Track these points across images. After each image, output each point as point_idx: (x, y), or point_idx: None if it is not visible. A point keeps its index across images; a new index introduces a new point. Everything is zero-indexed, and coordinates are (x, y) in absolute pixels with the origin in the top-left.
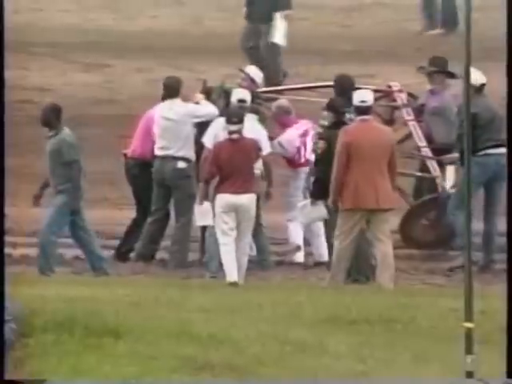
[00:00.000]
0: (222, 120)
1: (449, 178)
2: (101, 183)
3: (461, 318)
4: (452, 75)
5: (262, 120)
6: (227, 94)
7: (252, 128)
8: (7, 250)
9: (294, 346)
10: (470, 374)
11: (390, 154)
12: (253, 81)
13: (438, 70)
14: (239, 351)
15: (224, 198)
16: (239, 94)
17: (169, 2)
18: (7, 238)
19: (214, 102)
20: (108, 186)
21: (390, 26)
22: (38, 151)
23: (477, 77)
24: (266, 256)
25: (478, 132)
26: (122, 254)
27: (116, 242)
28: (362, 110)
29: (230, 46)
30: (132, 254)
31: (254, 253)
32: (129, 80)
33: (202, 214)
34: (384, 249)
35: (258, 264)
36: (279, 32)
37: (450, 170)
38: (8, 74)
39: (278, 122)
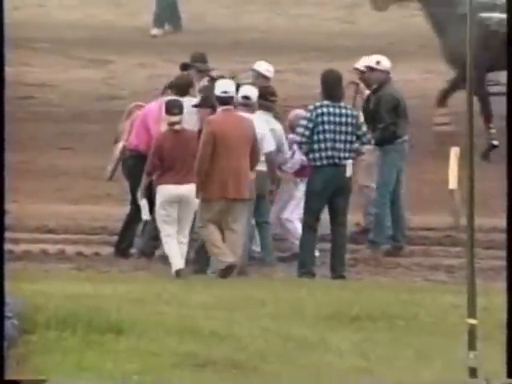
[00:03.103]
0: None
1: (452, 175)
2: (104, 179)
3: (463, 315)
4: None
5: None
6: (238, 87)
7: (258, 125)
8: (9, 247)
9: (296, 343)
10: (472, 371)
11: (252, 143)
12: (264, 77)
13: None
14: (241, 347)
15: (167, 189)
16: (245, 90)
17: None
18: (9, 235)
19: None
20: (111, 182)
21: (394, 23)
22: (39, 147)
23: (384, 63)
24: (270, 253)
25: (401, 120)
26: (121, 251)
27: None
28: (224, 100)
29: (232, 42)
30: (133, 251)
31: (259, 249)
32: (131, 76)
33: (142, 208)
34: (233, 238)
35: (260, 260)
36: None
37: (454, 169)
38: (10, 71)
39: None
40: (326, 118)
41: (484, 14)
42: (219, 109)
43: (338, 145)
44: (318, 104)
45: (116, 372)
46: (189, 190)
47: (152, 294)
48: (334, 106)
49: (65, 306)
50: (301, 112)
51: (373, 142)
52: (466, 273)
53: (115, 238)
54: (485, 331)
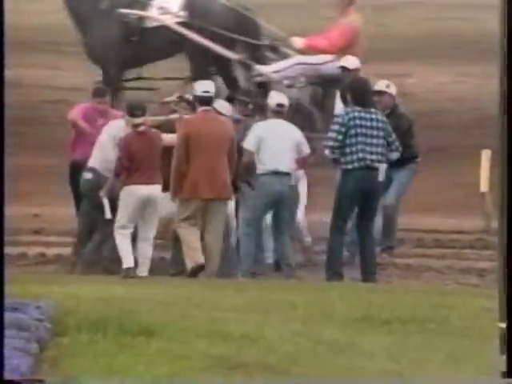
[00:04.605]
0: (264, 124)
1: (484, 178)
2: None
3: (495, 318)
4: None
5: None
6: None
7: (293, 129)
8: (41, 250)
9: (326, 346)
10: (504, 375)
11: (230, 145)
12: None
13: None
14: (272, 350)
15: (134, 190)
16: (278, 98)
17: None
18: (41, 238)
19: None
20: None
21: (425, 25)
22: None
23: (393, 88)
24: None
25: (414, 140)
26: None
27: None
28: (204, 101)
29: None
30: None
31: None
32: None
33: (105, 207)
34: (208, 238)
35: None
36: None
37: (485, 171)
38: (40, 74)
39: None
40: (358, 122)
41: (123, 10)
42: (199, 109)
43: (369, 148)
44: (349, 109)
45: (147, 375)
46: (155, 190)
47: (182, 297)
48: (364, 112)
49: (96, 309)
50: None
51: (400, 149)
52: (497, 276)
53: None
54: None
